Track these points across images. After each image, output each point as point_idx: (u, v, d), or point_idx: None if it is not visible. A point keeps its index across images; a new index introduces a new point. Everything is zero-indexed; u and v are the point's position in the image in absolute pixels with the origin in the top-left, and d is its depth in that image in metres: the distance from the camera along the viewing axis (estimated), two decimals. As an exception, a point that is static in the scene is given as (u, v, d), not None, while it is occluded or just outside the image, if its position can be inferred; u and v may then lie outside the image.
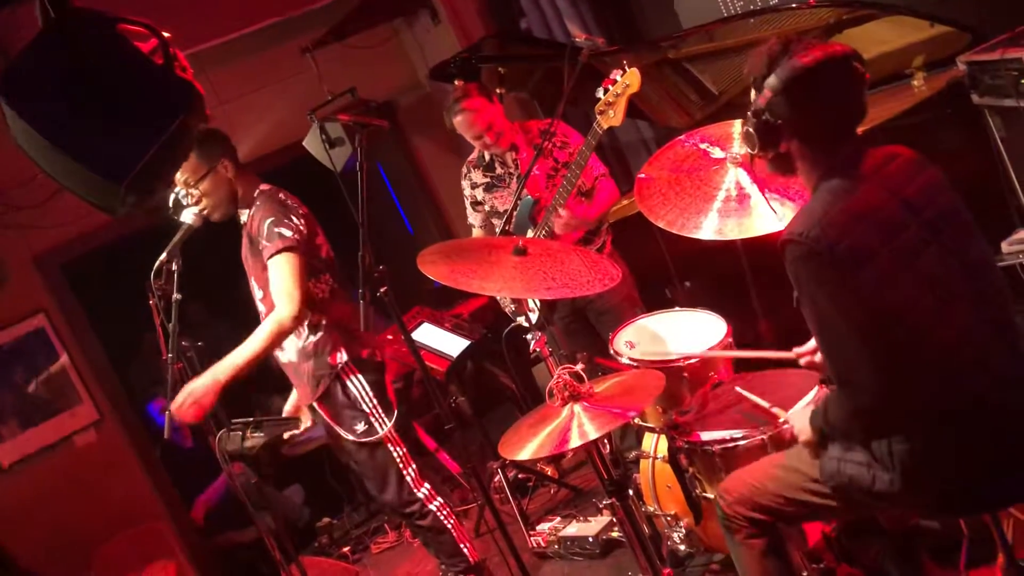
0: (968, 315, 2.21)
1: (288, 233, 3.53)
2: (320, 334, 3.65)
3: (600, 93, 3.56)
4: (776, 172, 2.39)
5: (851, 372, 2.21)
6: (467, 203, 4.51)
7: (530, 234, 4.07)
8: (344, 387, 3.66)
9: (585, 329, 4.31)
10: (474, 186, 4.42)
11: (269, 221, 3.55)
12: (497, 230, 4.25)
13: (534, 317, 4.08)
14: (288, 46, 6.12)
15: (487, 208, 4.40)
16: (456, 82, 5.03)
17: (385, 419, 3.69)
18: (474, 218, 4.51)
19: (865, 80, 2.27)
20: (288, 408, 3.94)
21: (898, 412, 2.22)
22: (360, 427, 3.67)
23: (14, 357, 5.54)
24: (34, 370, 5.58)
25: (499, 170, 4.33)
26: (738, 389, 3.02)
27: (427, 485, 3.81)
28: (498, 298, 4.39)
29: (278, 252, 3.52)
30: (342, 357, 3.65)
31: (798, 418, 2.51)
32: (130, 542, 5.37)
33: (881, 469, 2.25)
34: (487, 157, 4.36)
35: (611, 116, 3.56)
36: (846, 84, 2.25)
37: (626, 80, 3.51)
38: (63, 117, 2.07)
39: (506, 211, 4.23)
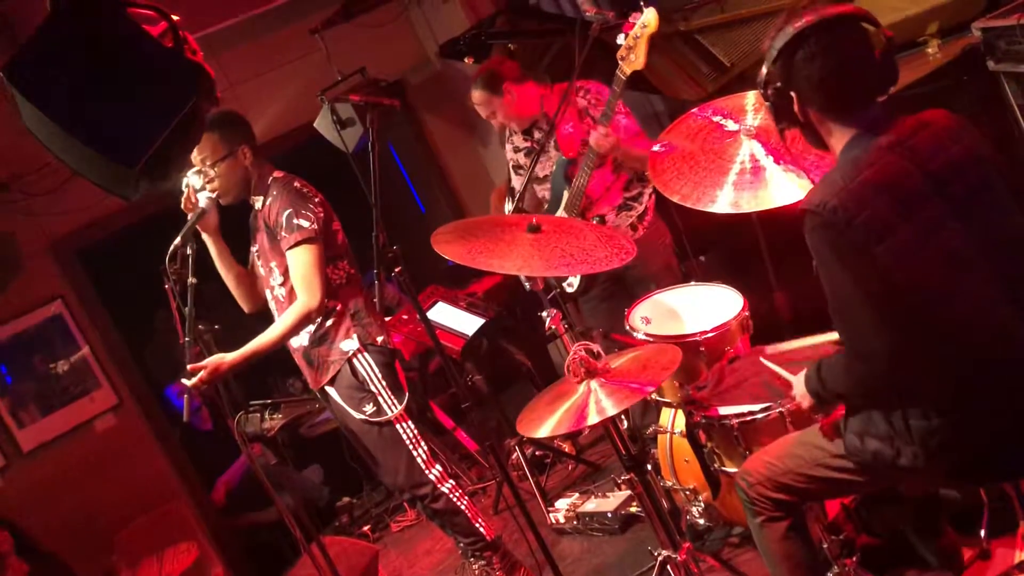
0: (988, 292, 2.16)
1: (306, 224, 3.53)
2: (333, 320, 3.65)
3: (620, 39, 3.53)
4: (811, 144, 2.33)
5: (863, 341, 2.19)
6: (510, 167, 4.45)
7: (565, 194, 4.06)
8: (353, 369, 3.65)
9: (623, 293, 4.21)
10: (516, 150, 4.37)
11: (288, 212, 3.55)
12: (538, 194, 4.26)
13: (575, 285, 4.06)
14: (297, 27, 6.11)
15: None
16: (467, 59, 4.98)
17: (395, 402, 3.67)
18: (517, 183, 4.41)
19: (878, 40, 2.19)
20: None
21: (908, 383, 2.20)
22: (369, 408, 3.66)
23: (33, 344, 5.61)
24: (53, 356, 5.63)
25: (537, 135, 4.28)
26: (762, 360, 2.99)
27: (438, 467, 3.77)
28: (522, 276, 4.34)
29: (297, 244, 3.52)
30: (353, 344, 3.64)
31: (798, 384, 2.47)
32: (152, 525, 5.42)
33: (904, 443, 2.24)
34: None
35: (633, 60, 3.52)
36: (846, 44, 2.19)
37: (644, 21, 3.47)
38: (74, 102, 2.06)
39: (546, 176, 4.21)
